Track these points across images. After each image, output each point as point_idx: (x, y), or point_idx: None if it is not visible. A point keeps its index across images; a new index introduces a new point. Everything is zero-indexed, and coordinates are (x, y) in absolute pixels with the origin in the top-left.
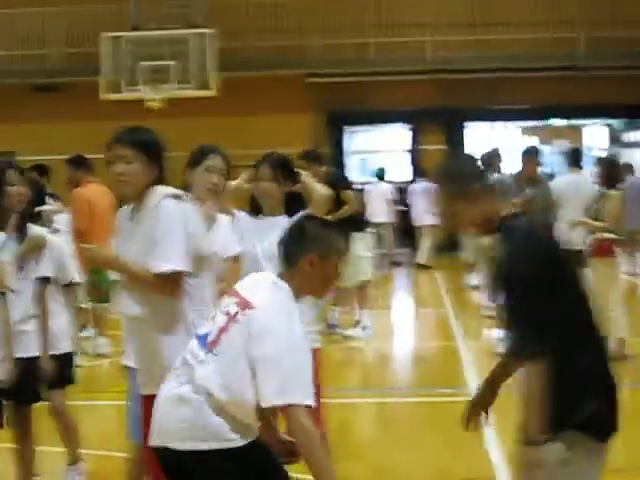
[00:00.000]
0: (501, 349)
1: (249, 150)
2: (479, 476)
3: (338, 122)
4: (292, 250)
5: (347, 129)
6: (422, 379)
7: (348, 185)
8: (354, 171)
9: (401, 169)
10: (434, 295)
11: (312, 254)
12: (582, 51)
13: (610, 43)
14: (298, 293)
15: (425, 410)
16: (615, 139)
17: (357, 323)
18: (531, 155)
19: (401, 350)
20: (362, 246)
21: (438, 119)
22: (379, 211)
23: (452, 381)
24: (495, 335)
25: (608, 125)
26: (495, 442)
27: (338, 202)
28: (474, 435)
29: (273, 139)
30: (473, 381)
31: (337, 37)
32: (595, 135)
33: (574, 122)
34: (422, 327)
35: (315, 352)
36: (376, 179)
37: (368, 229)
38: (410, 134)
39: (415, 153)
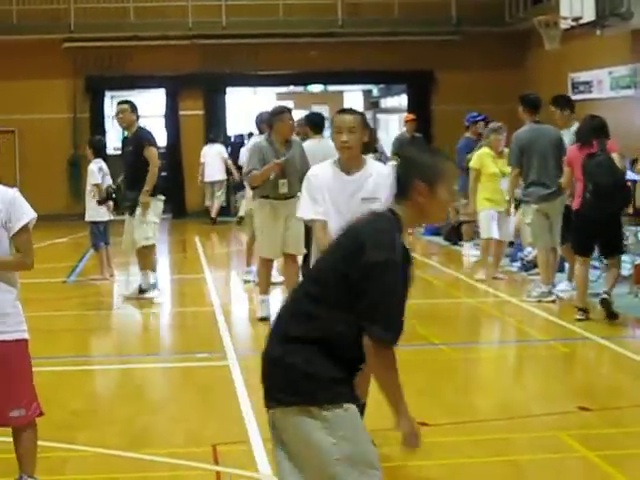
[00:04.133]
0: (261, 314)
1: (6, 115)
2: (232, 439)
3: (98, 87)
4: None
5: (108, 94)
6: (178, 344)
7: (152, 143)
8: (114, 136)
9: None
10: (194, 260)
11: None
12: (340, 18)
13: (367, 10)
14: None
15: (180, 374)
16: (372, 105)
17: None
18: (285, 115)
19: (159, 316)
20: (150, 211)
21: (198, 84)
22: (215, 171)
23: (208, 345)
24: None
25: (368, 91)
26: (249, 405)
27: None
28: (228, 398)
29: (31, 105)
30: (229, 345)
31: (96, 1)
32: (356, 101)
33: (332, 88)
34: (184, 293)
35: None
36: (210, 142)
37: (162, 195)
38: (168, 99)
39: (172, 118)
